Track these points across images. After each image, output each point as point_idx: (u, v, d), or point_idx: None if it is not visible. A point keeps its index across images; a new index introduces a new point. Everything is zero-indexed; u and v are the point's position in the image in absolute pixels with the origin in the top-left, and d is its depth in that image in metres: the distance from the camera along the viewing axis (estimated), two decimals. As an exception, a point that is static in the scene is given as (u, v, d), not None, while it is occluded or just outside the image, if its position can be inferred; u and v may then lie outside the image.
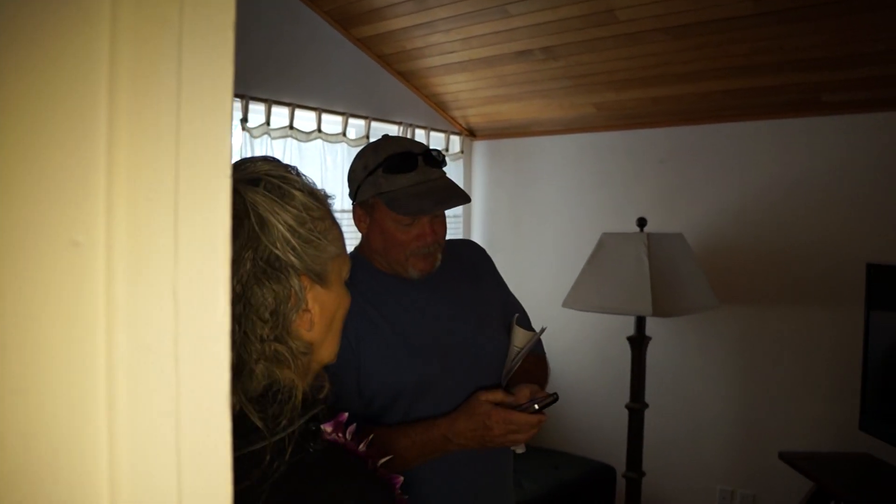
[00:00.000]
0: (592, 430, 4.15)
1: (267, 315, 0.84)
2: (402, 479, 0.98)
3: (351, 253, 1.71)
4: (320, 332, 0.91)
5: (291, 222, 0.86)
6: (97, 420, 0.40)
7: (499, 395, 1.52)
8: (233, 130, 0.45)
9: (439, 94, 4.22)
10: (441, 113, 4.38)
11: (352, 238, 3.61)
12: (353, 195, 1.63)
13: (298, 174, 0.93)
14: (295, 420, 0.83)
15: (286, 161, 3.17)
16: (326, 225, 0.92)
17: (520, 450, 1.63)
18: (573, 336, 4.14)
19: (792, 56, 3.04)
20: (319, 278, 0.89)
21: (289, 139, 3.49)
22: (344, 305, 0.96)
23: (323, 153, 3.69)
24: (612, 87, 3.67)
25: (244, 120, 3.28)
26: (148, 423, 0.41)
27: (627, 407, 3.18)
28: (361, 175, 1.58)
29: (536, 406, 1.49)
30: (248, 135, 3.31)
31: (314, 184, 0.95)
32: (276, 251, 0.84)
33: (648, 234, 2.99)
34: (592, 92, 3.77)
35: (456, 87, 4.08)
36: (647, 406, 3.17)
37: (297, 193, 0.88)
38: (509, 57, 3.62)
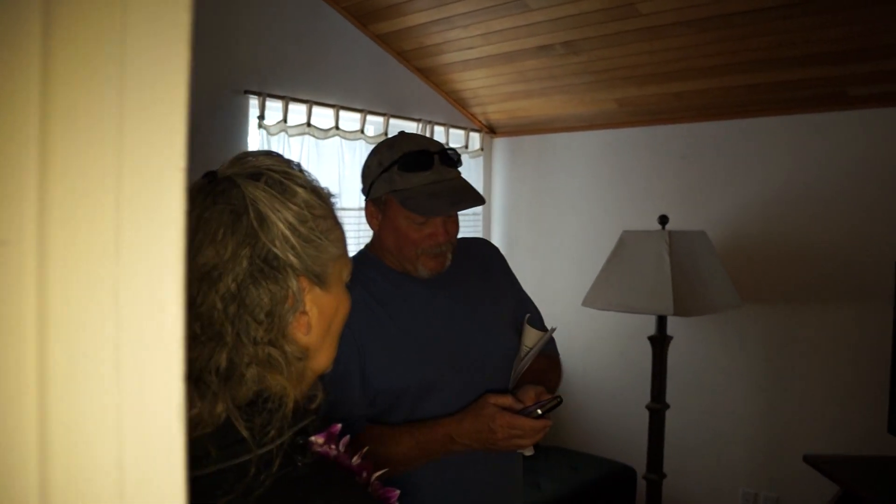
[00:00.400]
0: (613, 430, 4.09)
1: (262, 316, 0.80)
2: (398, 492, 0.94)
3: (361, 250, 1.70)
4: (318, 337, 0.87)
5: (292, 220, 0.82)
6: (27, 437, 0.36)
7: (508, 400, 1.50)
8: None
9: (459, 91, 4.18)
10: (461, 109, 4.34)
11: (360, 236, 3.56)
12: (367, 191, 1.61)
13: (301, 170, 0.90)
14: (284, 431, 0.79)
15: (303, 159, 3.12)
16: (328, 224, 0.88)
17: (528, 452, 1.59)
18: (593, 335, 4.08)
19: (817, 49, 2.97)
20: (319, 280, 0.86)
21: (306, 136, 3.47)
22: (343, 309, 0.93)
23: (341, 151, 3.66)
24: (633, 82, 3.61)
25: (261, 117, 3.27)
26: (85, 441, 0.38)
27: (648, 407, 3.12)
28: (376, 171, 1.56)
29: (539, 411, 1.46)
30: (265, 132, 3.29)
31: (317, 181, 0.91)
32: (275, 250, 0.81)
33: (670, 232, 2.93)
34: (614, 87, 3.71)
35: (475, 83, 4.04)
36: (668, 407, 3.11)
37: (299, 190, 0.85)
38: (529, 52, 3.57)
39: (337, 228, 0.90)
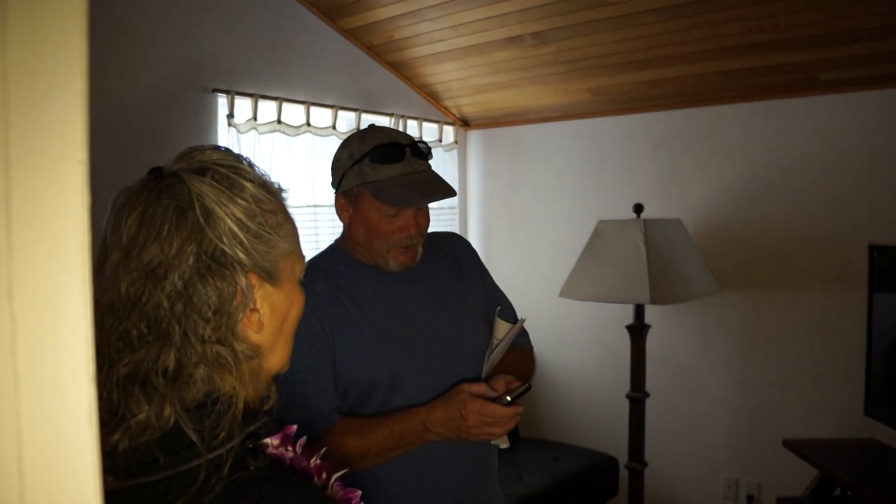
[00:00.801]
0: (593, 420, 4.09)
1: (209, 314, 0.78)
2: (359, 493, 0.91)
3: (331, 245, 1.72)
4: (270, 335, 0.85)
5: (240, 215, 0.80)
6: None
7: (482, 388, 1.51)
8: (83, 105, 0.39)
9: (430, 84, 4.15)
10: (433, 103, 4.31)
11: (335, 233, 3.54)
12: (337, 184, 1.61)
13: (251, 165, 0.87)
14: (234, 434, 0.77)
15: (274, 156, 3.07)
16: (279, 220, 0.86)
17: (503, 444, 1.59)
18: (571, 326, 4.08)
19: (788, 34, 2.97)
20: (269, 276, 0.84)
21: (277, 134, 3.43)
22: (297, 306, 0.90)
23: (313, 147, 3.62)
24: (605, 71, 3.60)
25: (230, 116, 3.22)
26: (-20, 449, 0.36)
27: (628, 397, 3.12)
28: (347, 164, 1.56)
29: (508, 398, 1.46)
30: (234, 130, 3.25)
31: (268, 176, 0.89)
32: (222, 245, 0.79)
33: (645, 221, 2.93)
34: (586, 77, 3.70)
35: (447, 76, 4.02)
36: (648, 395, 3.11)
37: (247, 185, 0.82)
38: (500, 43, 3.55)
39: (287, 224, 0.88)
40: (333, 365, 1.52)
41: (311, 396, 1.49)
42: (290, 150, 3.51)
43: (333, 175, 1.62)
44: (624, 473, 3.36)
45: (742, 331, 3.61)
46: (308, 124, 3.56)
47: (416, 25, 3.54)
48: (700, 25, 3.05)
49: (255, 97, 3.31)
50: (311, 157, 3.61)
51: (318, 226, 3.56)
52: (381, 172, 1.51)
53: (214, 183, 0.80)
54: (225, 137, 3.24)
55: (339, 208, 1.62)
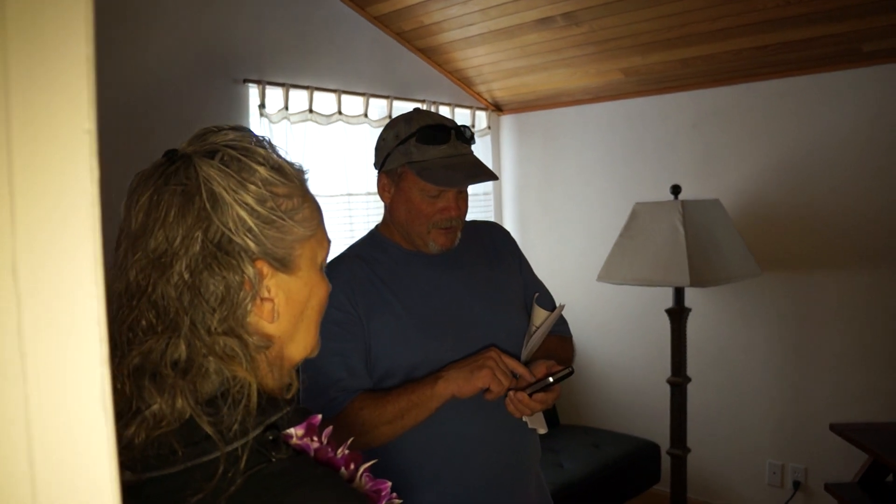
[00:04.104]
0: (634, 406, 4.04)
1: (216, 304, 0.76)
2: (389, 483, 0.88)
3: (371, 231, 1.75)
4: (289, 324, 0.83)
5: (250, 200, 0.77)
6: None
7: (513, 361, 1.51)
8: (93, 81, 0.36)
9: (462, 70, 4.11)
10: (465, 88, 4.28)
11: (370, 220, 3.51)
12: (380, 164, 1.63)
13: (268, 146, 0.84)
14: (250, 426, 0.74)
15: (307, 145, 3.05)
16: (294, 204, 0.82)
17: (541, 430, 1.59)
18: (610, 310, 4.03)
19: (828, 4, 2.87)
20: (282, 264, 0.81)
21: (309, 123, 3.42)
22: (318, 294, 0.87)
23: (345, 135, 3.61)
24: (638, 50, 3.53)
25: (262, 106, 3.23)
26: (-13, 435, 0.34)
27: (669, 382, 3.07)
28: (392, 144, 1.59)
29: (551, 379, 1.47)
30: (266, 120, 3.25)
31: (285, 158, 0.85)
32: (229, 233, 0.76)
33: (683, 202, 2.87)
34: (618, 57, 3.63)
35: (478, 60, 3.97)
36: (689, 380, 3.05)
37: (258, 168, 0.79)
38: (530, 26, 3.50)
39: (305, 207, 0.84)
40: (366, 351, 1.53)
41: (344, 378, 1.49)
42: (323, 138, 3.51)
43: (377, 155, 1.64)
44: (666, 459, 3.31)
45: (785, 313, 3.52)
46: (340, 113, 3.54)
47: (446, 10, 3.50)
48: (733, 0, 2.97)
49: (287, 87, 3.31)
50: (344, 145, 3.59)
51: (352, 214, 3.55)
52: (426, 153, 1.55)
53: (223, 167, 0.78)
54: (257, 128, 3.24)
55: (382, 188, 1.64)
